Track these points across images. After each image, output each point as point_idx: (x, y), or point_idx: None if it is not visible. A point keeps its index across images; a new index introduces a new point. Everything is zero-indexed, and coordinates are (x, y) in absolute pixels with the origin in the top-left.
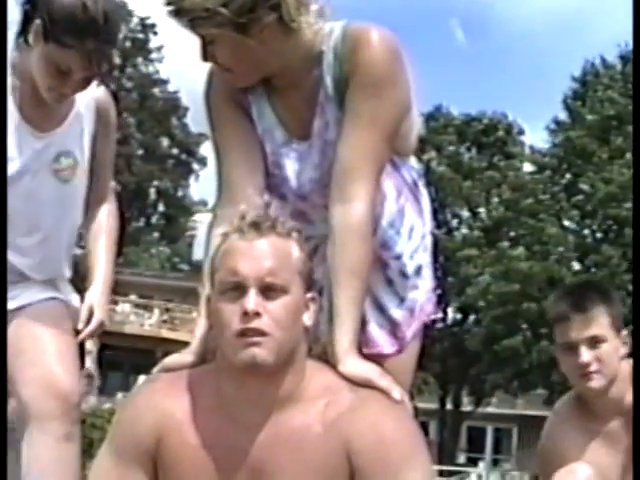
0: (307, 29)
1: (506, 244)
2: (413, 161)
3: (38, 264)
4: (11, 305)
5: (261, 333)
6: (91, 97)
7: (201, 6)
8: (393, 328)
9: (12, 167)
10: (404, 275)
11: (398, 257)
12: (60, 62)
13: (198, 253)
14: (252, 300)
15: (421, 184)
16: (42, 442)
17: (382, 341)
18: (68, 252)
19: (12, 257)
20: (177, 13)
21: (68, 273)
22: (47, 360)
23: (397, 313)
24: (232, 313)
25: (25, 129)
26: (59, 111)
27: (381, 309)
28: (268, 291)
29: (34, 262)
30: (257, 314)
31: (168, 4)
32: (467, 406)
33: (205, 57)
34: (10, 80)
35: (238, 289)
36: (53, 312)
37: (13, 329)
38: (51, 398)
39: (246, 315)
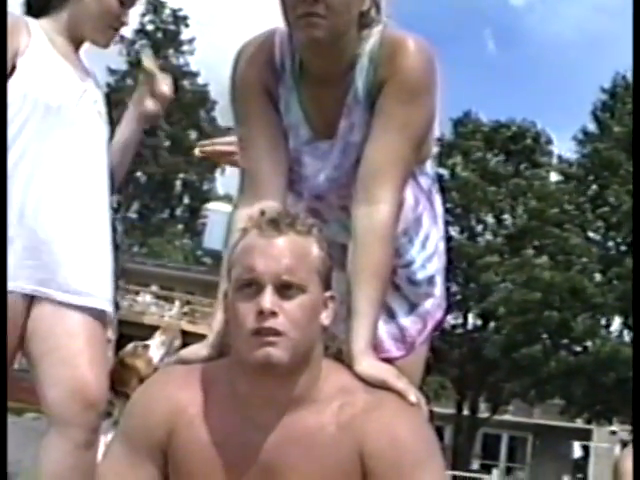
0: (365, 24)
1: (530, 252)
2: (428, 167)
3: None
4: (42, 285)
5: (276, 333)
6: None
7: None
8: (401, 333)
9: (63, 100)
10: (412, 282)
11: (407, 265)
12: None
13: (209, 241)
14: (268, 299)
15: (435, 190)
16: (61, 447)
17: (389, 345)
18: (108, 199)
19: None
20: None
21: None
22: (79, 361)
23: (406, 319)
24: (247, 311)
25: (71, 71)
26: (83, 65)
27: (390, 314)
28: (285, 289)
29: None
30: (273, 313)
31: None
32: (483, 413)
33: None
34: (43, 38)
35: (254, 287)
36: (92, 318)
37: (50, 320)
38: (77, 403)
39: (261, 314)
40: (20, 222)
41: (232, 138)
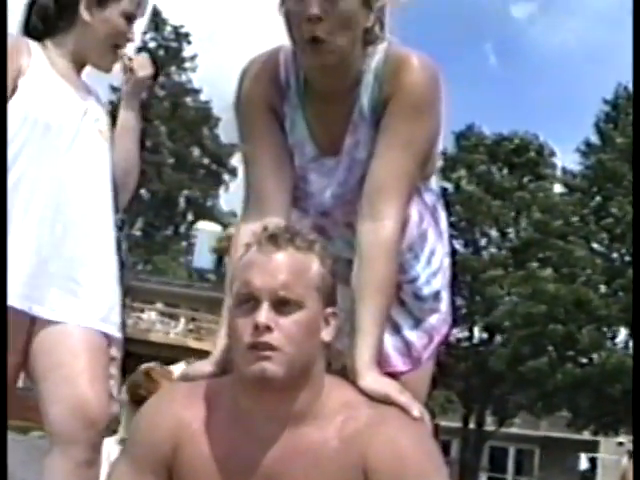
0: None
1: (534, 265)
2: (433, 183)
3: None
4: (52, 314)
5: (271, 347)
6: None
7: None
8: (407, 348)
9: (63, 120)
10: (417, 298)
11: (412, 281)
12: (129, 9)
13: (198, 260)
14: (264, 314)
15: (439, 206)
16: (62, 466)
17: (395, 360)
18: (112, 220)
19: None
20: None
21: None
22: (81, 380)
23: (412, 334)
24: (245, 326)
25: (72, 91)
26: (85, 85)
27: (396, 329)
28: (281, 305)
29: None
30: (268, 328)
31: None
32: (490, 426)
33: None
34: (44, 57)
35: (252, 302)
36: (95, 338)
37: (54, 338)
38: (78, 421)
39: (257, 329)
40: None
41: None
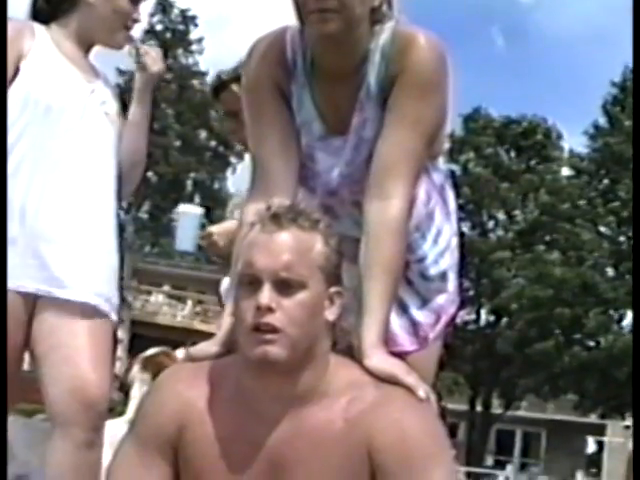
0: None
1: (541, 248)
2: (441, 162)
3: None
4: (60, 292)
5: (274, 329)
6: None
7: None
8: (414, 327)
9: (66, 101)
10: (424, 277)
11: (420, 260)
12: None
13: (180, 243)
14: (265, 295)
15: (448, 186)
16: (62, 447)
17: (402, 340)
18: (114, 204)
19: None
20: None
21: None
22: (81, 360)
23: (419, 314)
24: (247, 307)
25: (77, 73)
26: (92, 67)
27: (403, 308)
28: (283, 286)
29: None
30: (270, 309)
31: None
32: (497, 409)
33: None
34: (49, 39)
35: (254, 283)
36: (98, 319)
37: (55, 319)
38: (77, 402)
39: (259, 310)
40: (22, 222)
41: (231, 223)
